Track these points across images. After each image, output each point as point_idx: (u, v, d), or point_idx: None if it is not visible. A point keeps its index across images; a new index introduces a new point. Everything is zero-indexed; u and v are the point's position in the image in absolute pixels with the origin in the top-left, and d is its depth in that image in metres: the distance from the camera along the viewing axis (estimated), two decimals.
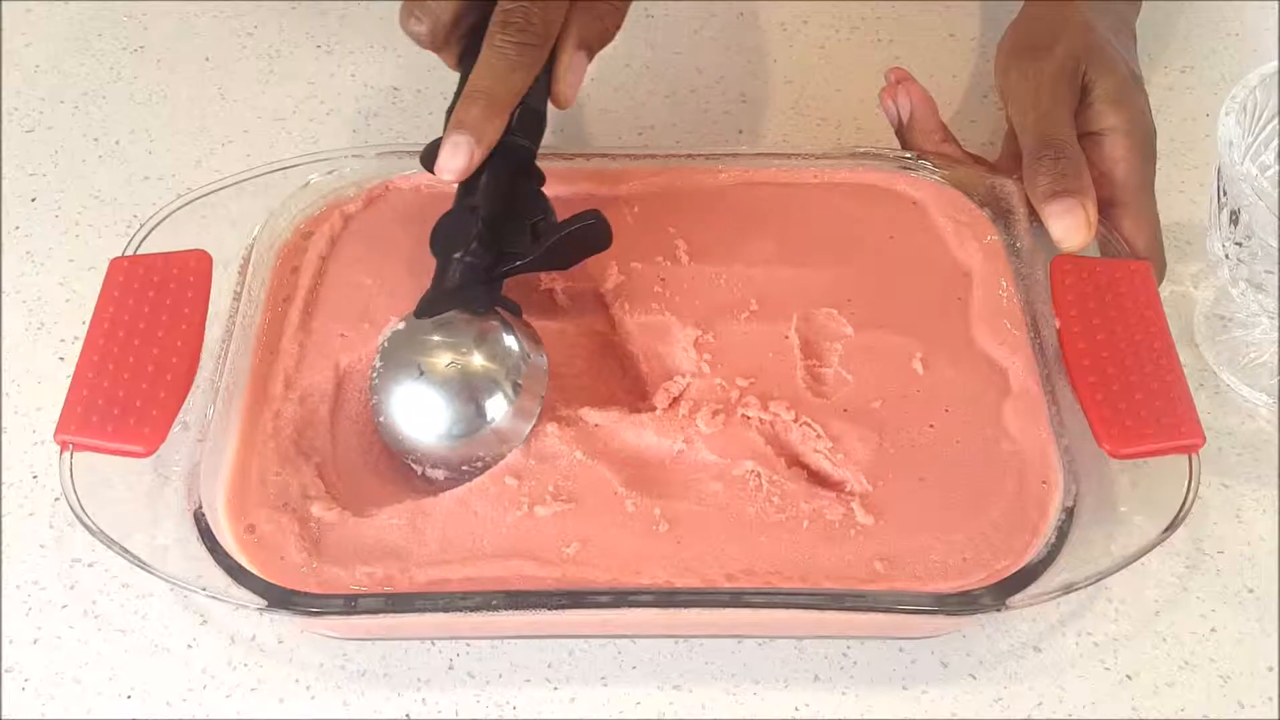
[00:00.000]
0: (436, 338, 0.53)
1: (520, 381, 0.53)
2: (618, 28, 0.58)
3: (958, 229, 0.61)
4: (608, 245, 0.55)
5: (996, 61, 0.67)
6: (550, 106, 0.57)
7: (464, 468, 0.53)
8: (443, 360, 0.53)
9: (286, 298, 0.58)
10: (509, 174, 0.55)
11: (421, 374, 0.53)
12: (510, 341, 0.53)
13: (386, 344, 0.54)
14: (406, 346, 0.54)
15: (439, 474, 0.54)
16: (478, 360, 0.53)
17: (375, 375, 0.54)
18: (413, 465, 0.54)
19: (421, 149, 0.55)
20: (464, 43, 0.57)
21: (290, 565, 0.50)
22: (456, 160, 0.53)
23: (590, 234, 0.54)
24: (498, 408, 0.52)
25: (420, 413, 0.53)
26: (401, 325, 0.55)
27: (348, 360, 0.56)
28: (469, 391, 0.52)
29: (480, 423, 0.52)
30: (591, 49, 0.57)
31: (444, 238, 0.54)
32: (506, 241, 0.54)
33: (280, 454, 0.53)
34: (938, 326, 0.57)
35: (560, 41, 0.55)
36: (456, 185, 0.55)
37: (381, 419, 0.54)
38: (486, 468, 0.53)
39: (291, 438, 0.54)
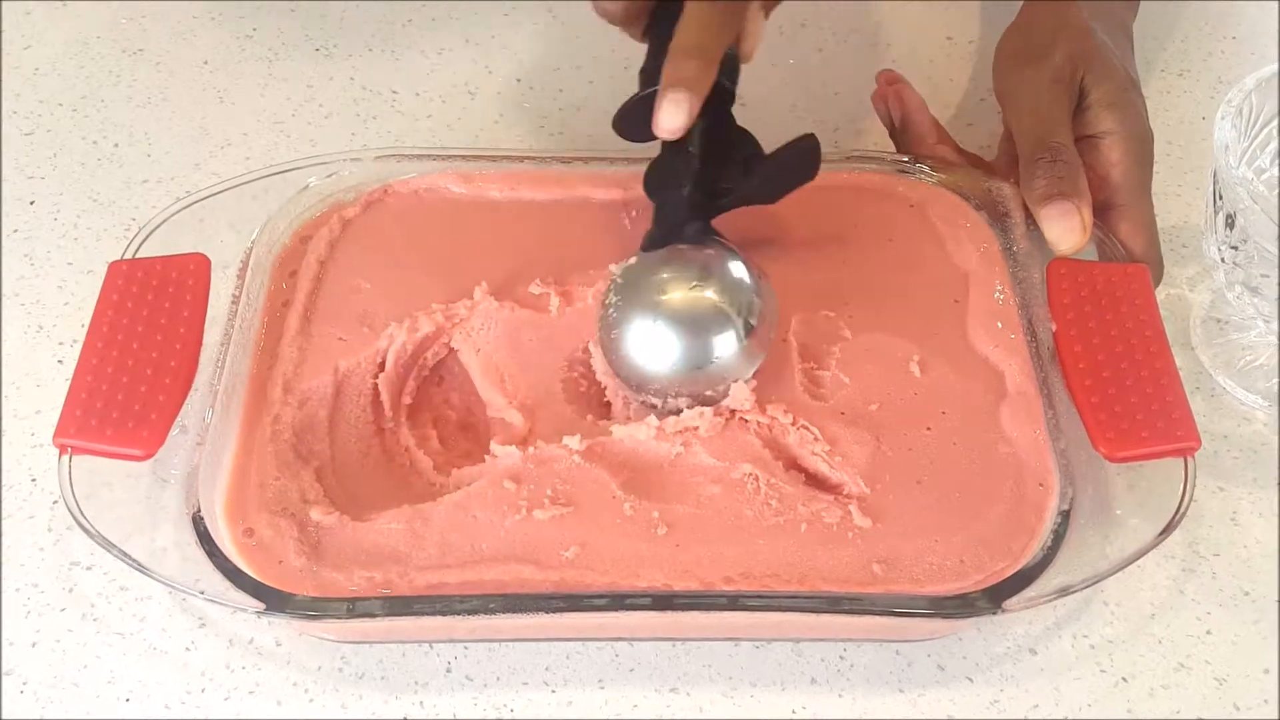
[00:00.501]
0: (668, 272, 0.54)
1: (755, 308, 0.54)
2: None
3: (954, 232, 0.61)
4: (814, 174, 0.57)
5: (994, 65, 0.67)
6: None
7: (708, 393, 0.54)
8: (679, 291, 0.54)
9: (285, 302, 0.58)
10: (716, 114, 0.56)
11: (662, 302, 0.54)
12: (741, 270, 0.55)
13: (620, 279, 0.56)
14: (642, 279, 0.55)
15: (681, 402, 0.54)
16: (713, 290, 0.54)
17: (612, 310, 0.55)
18: (652, 399, 0.55)
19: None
20: (648, 16, 0.59)
21: (289, 569, 0.50)
22: (679, 117, 0.53)
23: (797, 161, 0.57)
24: (736, 334, 0.54)
25: (661, 344, 0.53)
26: (633, 260, 0.56)
27: (346, 364, 0.56)
28: (710, 320, 0.54)
29: (722, 349, 0.54)
30: (768, 8, 0.60)
31: (659, 178, 0.57)
32: (719, 177, 0.56)
33: (279, 459, 0.53)
34: (935, 329, 0.58)
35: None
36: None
37: (623, 353, 0.54)
38: (718, 396, 0.54)
39: (290, 442, 0.54)
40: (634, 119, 0.55)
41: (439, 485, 0.54)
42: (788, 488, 0.53)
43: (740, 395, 0.54)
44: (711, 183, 0.56)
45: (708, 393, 0.54)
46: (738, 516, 0.52)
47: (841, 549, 0.51)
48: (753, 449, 0.54)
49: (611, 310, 0.55)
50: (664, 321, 0.54)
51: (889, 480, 0.53)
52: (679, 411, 0.54)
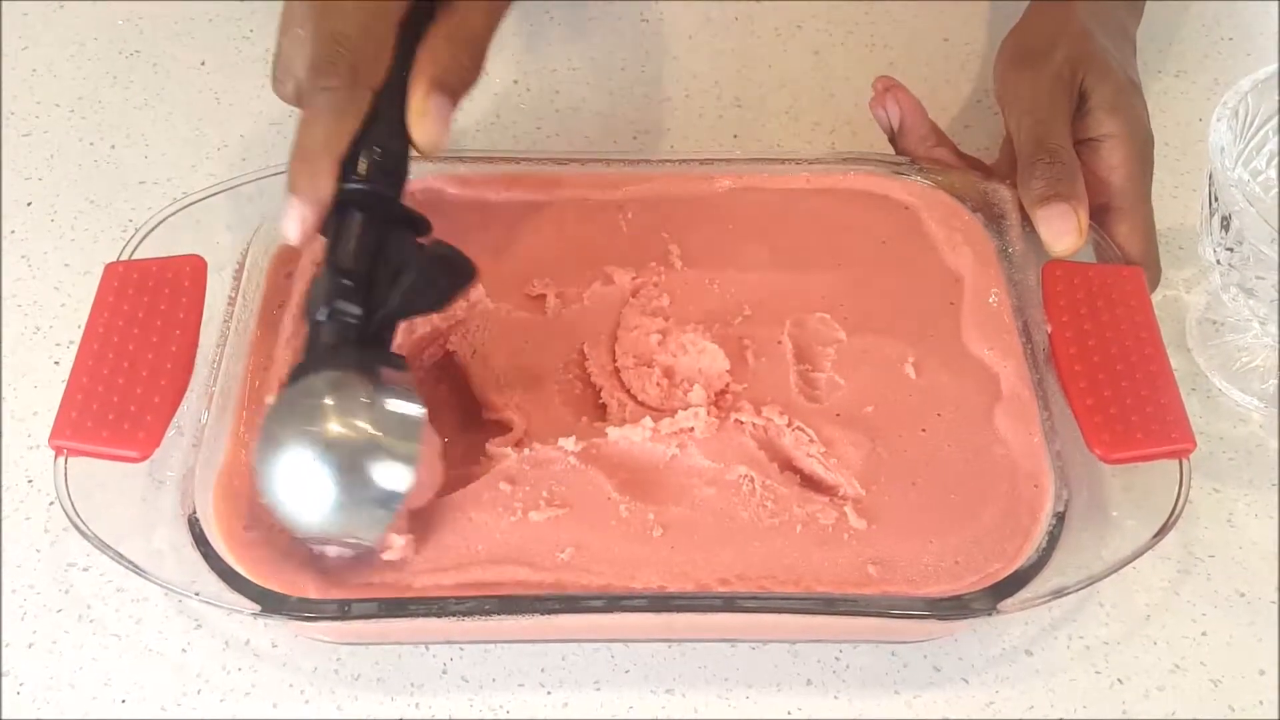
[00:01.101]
0: (303, 404, 0.48)
1: (390, 445, 0.48)
2: (477, 67, 0.53)
3: (950, 234, 0.61)
4: (470, 276, 0.52)
5: (995, 67, 0.67)
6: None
7: (347, 541, 0.49)
8: (303, 429, 0.48)
9: (280, 304, 0.58)
10: (363, 224, 0.50)
11: (279, 446, 0.48)
12: (382, 403, 0.48)
13: (267, 414, 0.50)
14: (275, 417, 0.49)
15: (333, 550, 0.50)
16: (336, 426, 0.48)
17: (254, 450, 0.50)
18: (312, 544, 0.50)
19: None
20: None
21: (285, 571, 0.50)
22: (288, 223, 0.50)
23: (440, 266, 0.51)
24: (367, 474, 0.48)
25: (289, 487, 0.48)
26: (272, 397, 0.52)
27: None
28: (334, 460, 0.47)
29: (350, 493, 0.47)
30: (450, 90, 0.52)
31: (311, 299, 0.51)
32: (375, 293, 0.50)
33: None
34: (930, 331, 0.58)
35: (411, 84, 0.51)
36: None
37: (263, 500, 0.49)
38: (367, 542, 0.49)
39: None
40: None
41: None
42: (783, 489, 0.53)
43: (398, 545, 0.50)
44: (369, 300, 0.49)
45: (358, 533, 0.49)
46: (733, 518, 0.52)
47: (837, 550, 0.51)
48: (748, 451, 0.54)
49: (255, 449, 0.49)
50: (289, 463, 0.48)
51: (884, 482, 0.53)
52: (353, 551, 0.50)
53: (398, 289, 0.50)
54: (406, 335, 0.57)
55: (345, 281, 0.49)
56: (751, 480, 0.53)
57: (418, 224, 0.53)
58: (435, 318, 0.57)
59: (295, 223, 0.50)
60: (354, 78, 0.51)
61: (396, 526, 0.49)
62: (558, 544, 0.51)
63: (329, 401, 0.48)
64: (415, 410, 0.49)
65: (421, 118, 0.51)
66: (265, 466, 0.48)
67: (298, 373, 0.50)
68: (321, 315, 0.49)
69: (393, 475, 0.48)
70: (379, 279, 0.50)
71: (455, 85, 0.53)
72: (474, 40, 0.53)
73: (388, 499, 0.48)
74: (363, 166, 0.51)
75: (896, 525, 0.52)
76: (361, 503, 0.48)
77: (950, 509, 0.52)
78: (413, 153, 0.52)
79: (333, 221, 0.51)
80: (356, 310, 0.49)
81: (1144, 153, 0.62)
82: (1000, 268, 0.60)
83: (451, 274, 0.52)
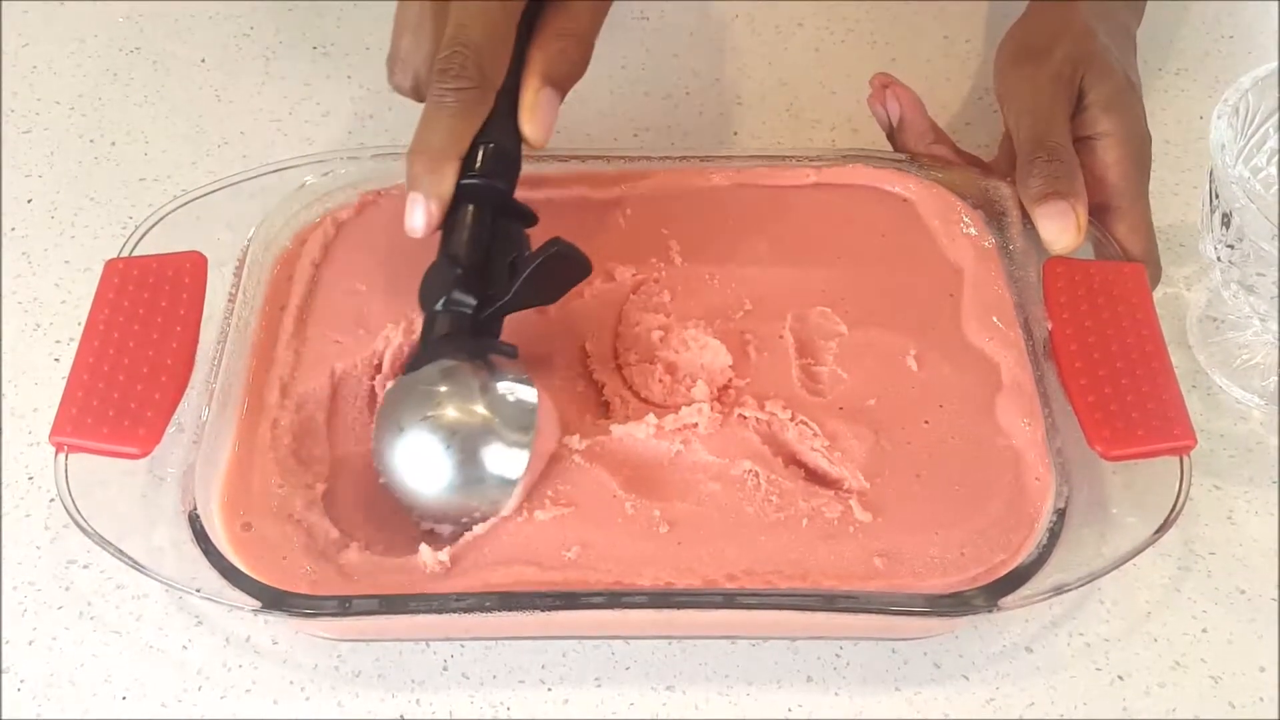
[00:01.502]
0: (424, 390, 0.51)
1: (507, 429, 0.50)
2: (585, 61, 0.56)
3: (949, 228, 0.61)
4: (586, 271, 0.54)
5: (995, 64, 0.67)
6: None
7: (463, 520, 0.51)
8: (425, 414, 0.50)
9: (282, 305, 0.58)
10: (480, 216, 0.53)
11: (402, 431, 0.50)
12: (498, 389, 0.51)
13: (382, 403, 0.53)
14: (398, 403, 0.51)
15: (445, 528, 0.52)
16: (455, 412, 0.50)
17: (375, 434, 0.52)
18: (420, 522, 0.52)
19: None
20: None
21: (285, 567, 0.50)
22: (414, 218, 0.53)
23: (560, 263, 0.53)
24: (487, 457, 0.50)
25: (413, 469, 0.51)
26: (393, 383, 0.54)
27: (343, 366, 0.56)
28: (457, 443, 0.50)
29: (471, 473, 0.50)
30: (560, 85, 0.55)
31: (427, 289, 0.53)
32: (490, 284, 0.52)
33: (281, 465, 0.53)
34: (931, 323, 0.58)
35: (524, 80, 0.54)
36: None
37: (383, 480, 0.52)
38: (485, 518, 0.51)
39: (290, 447, 0.54)
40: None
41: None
42: (788, 484, 0.53)
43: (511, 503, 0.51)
44: (482, 290, 0.52)
45: (477, 511, 0.51)
46: (739, 513, 0.52)
47: (843, 544, 0.51)
48: (752, 445, 0.54)
49: (375, 434, 0.52)
50: (413, 446, 0.50)
51: (888, 474, 0.53)
52: (460, 535, 0.51)
53: (516, 281, 0.52)
54: (407, 336, 0.57)
55: (461, 273, 0.52)
56: (756, 475, 0.53)
57: (527, 217, 0.55)
58: None
59: (422, 218, 0.52)
60: (481, 78, 0.53)
61: (514, 501, 0.51)
62: (564, 543, 0.51)
63: (449, 388, 0.51)
64: (530, 395, 0.51)
65: (533, 112, 0.54)
66: (388, 451, 0.51)
67: (415, 361, 0.52)
68: (439, 305, 0.52)
69: (511, 458, 0.50)
70: (495, 271, 0.53)
71: (563, 80, 0.55)
72: (582, 37, 0.56)
73: (506, 479, 0.50)
74: (480, 161, 0.53)
75: (902, 517, 0.52)
76: (482, 482, 0.50)
77: (955, 500, 0.52)
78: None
79: (449, 214, 0.53)
80: (471, 301, 0.52)
81: (1140, 151, 0.62)
82: (1000, 263, 0.60)
83: (569, 269, 0.54)
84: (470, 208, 0.53)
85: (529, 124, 0.54)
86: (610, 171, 0.63)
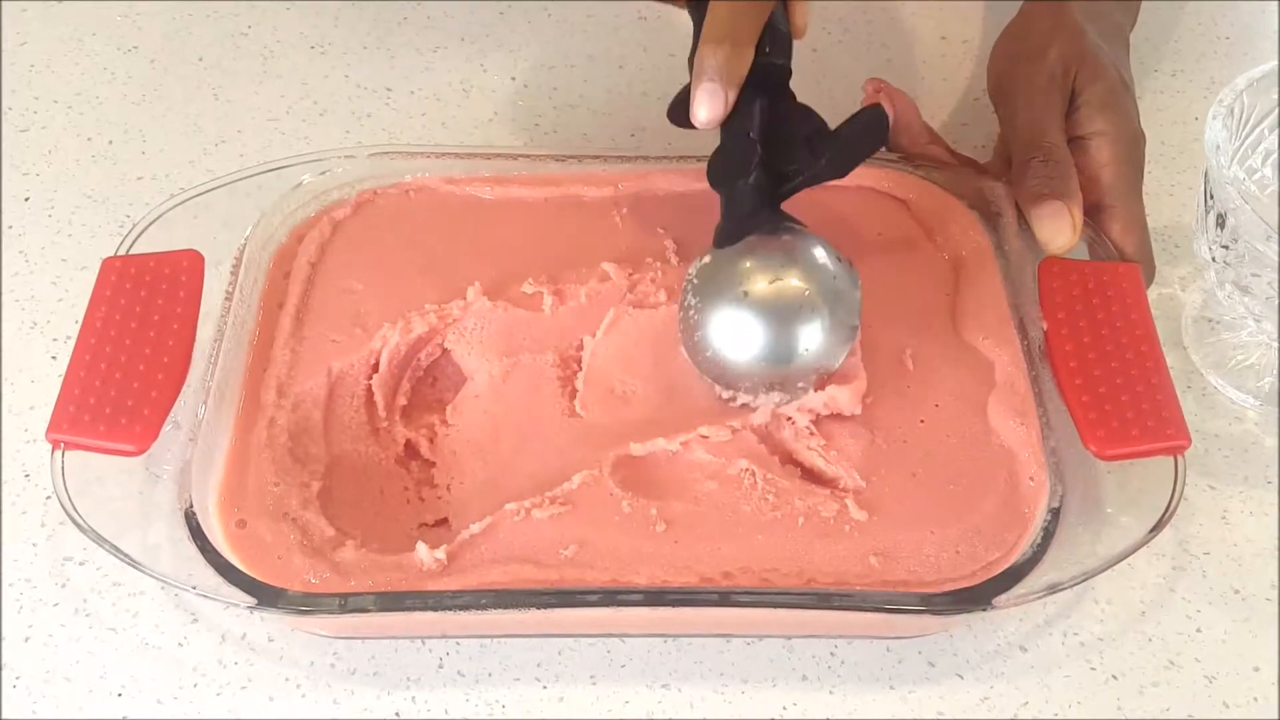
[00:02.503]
0: (748, 263, 0.53)
1: (842, 294, 0.53)
2: None
3: (945, 229, 0.61)
4: (883, 142, 0.56)
5: (989, 65, 0.67)
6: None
7: (800, 385, 0.53)
8: (763, 282, 0.53)
9: (279, 304, 0.58)
10: (771, 95, 0.55)
11: (746, 296, 0.53)
12: (823, 255, 0.54)
13: (696, 278, 0.54)
14: (721, 275, 0.53)
15: (774, 398, 0.54)
16: (798, 278, 0.53)
17: (692, 310, 0.54)
18: (744, 396, 0.54)
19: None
20: None
21: (280, 565, 0.50)
22: (714, 108, 0.53)
23: (863, 133, 0.55)
24: (824, 323, 0.53)
25: (750, 337, 0.53)
26: (707, 258, 0.55)
27: (340, 365, 0.57)
28: (798, 309, 0.53)
29: (812, 337, 0.53)
30: None
31: (722, 169, 0.54)
32: (784, 159, 0.54)
33: (277, 464, 0.53)
34: (926, 322, 0.58)
35: None
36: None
37: (709, 353, 0.53)
38: (808, 387, 0.54)
39: (287, 446, 0.54)
40: (685, 110, 0.54)
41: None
42: (784, 482, 0.53)
43: (845, 399, 0.54)
44: (777, 166, 0.54)
45: (799, 385, 0.54)
46: (735, 512, 0.52)
47: (839, 542, 0.51)
48: (748, 444, 0.54)
49: (693, 312, 0.54)
50: (751, 315, 0.53)
51: (884, 473, 0.53)
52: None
53: (818, 157, 0.54)
54: (404, 335, 0.57)
55: (762, 151, 0.53)
56: (753, 474, 0.53)
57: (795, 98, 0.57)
58: (432, 316, 0.57)
59: (718, 103, 0.53)
60: None
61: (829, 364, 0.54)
62: (561, 541, 0.51)
63: (794, 256, 0.53)
64: (846, 263, 0.54)
65: (801, 6, 0.56)
66: (719, 322, 0.53)
67: (724, 237, 0.54)
68: (749, 180, 0.53)
69: (852, 315, 0.54)
70: (791, 148, 0.54)
71: None
72: None
73: (853, 327, 0.54)
74: (768, 44, 0.54)
75: (898, 516, 0.52)
76: (837, 329, 0.53)
77: (950, 499, 0.52)
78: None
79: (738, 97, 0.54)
80: (770, 178, 0.53)
81: (1132, 151, 0.62)
82: (995, 263, 0.60)
83: (870, 141, 0.55)
84: (761, 87, 0.54)
85: (798, 16, 0.56)
86: (605, 171, 0.63)
